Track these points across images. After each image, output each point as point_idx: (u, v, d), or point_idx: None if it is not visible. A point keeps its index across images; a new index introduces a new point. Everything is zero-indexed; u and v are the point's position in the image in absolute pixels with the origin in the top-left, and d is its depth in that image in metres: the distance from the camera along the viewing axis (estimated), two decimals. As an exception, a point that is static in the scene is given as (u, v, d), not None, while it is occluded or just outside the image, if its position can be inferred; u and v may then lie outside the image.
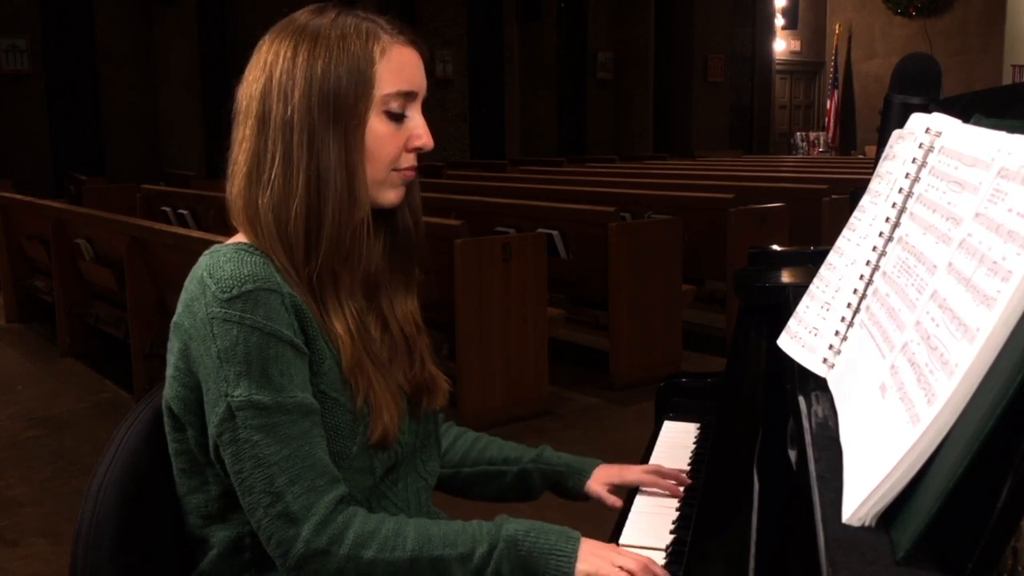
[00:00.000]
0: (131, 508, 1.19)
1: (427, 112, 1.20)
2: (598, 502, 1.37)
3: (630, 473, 1.39)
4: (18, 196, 6.50)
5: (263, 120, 1.13)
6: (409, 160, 1.19)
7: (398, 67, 1.16)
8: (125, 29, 10.54)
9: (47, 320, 5.88)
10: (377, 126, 1.15)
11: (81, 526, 1.17)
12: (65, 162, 10.03)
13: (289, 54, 1.13)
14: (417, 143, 1.18)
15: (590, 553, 1.09)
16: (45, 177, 9.73)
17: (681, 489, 1.37)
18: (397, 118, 1.16)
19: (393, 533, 1.08)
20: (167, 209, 6.55)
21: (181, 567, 1.22)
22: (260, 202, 1.13)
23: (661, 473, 1.39)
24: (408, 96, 1.17)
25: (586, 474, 1.38)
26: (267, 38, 1.17)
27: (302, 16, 1.17)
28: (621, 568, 1.08)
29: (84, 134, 10.57)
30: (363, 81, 1.13)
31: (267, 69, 1.14)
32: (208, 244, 1.17)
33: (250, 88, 1.15)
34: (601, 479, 1.38)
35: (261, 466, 1.06)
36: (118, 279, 4.58)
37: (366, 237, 1.17)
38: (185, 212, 6.32)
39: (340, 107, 1.12)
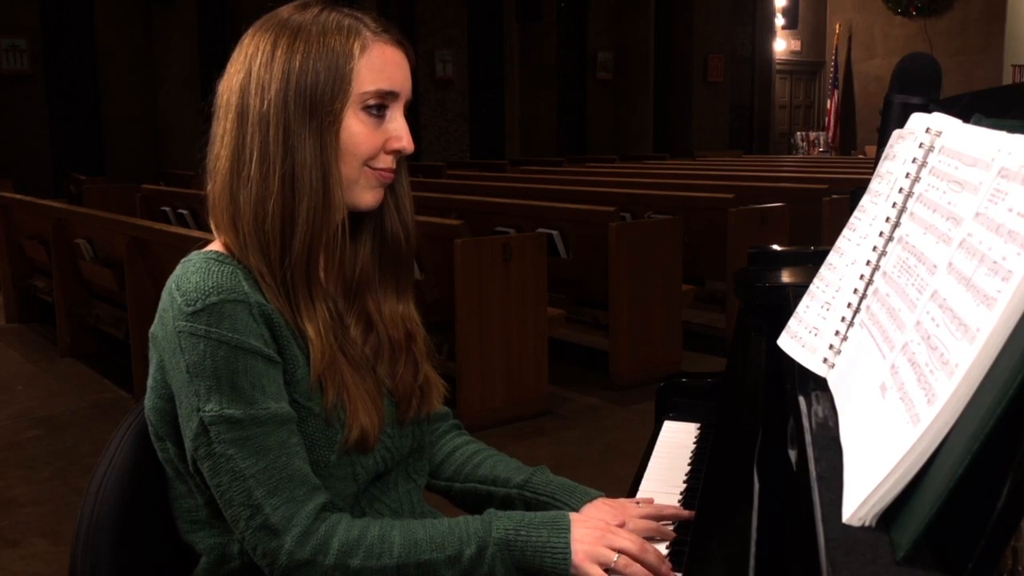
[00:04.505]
0: (130, 508, 1.19)
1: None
2: None
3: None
4: (18, 196, 6.49)
5: (242, 114, 1.11)
6: (386, 161, 1.15)
7: (379, 65, 1.13)
8: (125, 29, 10.54)
9: (47, 320, 5.89)
10: (353, 123, 1.12)
11: (81, 526, 1.17)
12: (65, 162, 10.03)
13: (268, 48, 1.11)
14: (396, 145, 1.15)
15: (583, 541, 1.07)
16: (45, 177, 9.73)
17: (671, 529, 1.21)
18: (376, 115, 1.13)
19: (379, 539, 1.07)
20: (167, 209, 6.55)
21: (180, 568, 1.21)
22: (241, 198, 1.11)
23: (659, 516, 1.22)
24: (388, 96, 1.14)
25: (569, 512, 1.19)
26: (249, 32, 1.15)
27: (285, 11, 1.15)
28: (618, 550, 1.06)
29: (84, 134, 10.57)
30: (340, 78, 1.10)
31: (247, 63, 1.12)
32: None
33: (230, 82, 1.13)
34: None
35: (238, 480, 1.05)
36: (118, 279, 4.58)
37: (342, 238, 1.14)
38: (185, 212, 6.31)
39: (316, 103, 1.10)
